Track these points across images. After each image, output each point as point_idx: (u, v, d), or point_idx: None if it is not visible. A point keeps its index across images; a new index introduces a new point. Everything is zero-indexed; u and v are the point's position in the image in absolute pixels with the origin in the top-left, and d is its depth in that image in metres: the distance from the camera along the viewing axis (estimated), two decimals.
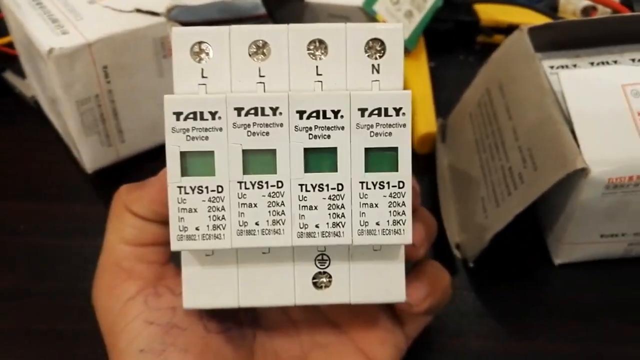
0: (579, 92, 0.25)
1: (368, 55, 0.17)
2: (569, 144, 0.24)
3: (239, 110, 0.17)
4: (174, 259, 0.20)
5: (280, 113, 0.17)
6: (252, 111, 0.17)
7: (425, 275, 0.20)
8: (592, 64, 0.28)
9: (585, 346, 0.25)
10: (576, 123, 0.24)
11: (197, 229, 0.17)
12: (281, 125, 0.17)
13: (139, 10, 0.31)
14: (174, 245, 0.17)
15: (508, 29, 0.40)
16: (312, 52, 0.17)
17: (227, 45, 0.17)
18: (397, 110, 0.17)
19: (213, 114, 0.17)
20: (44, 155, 0.35)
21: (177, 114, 0.17)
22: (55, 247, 0.30)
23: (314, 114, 0.17)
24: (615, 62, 0.28)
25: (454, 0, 0.40)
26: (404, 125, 0.17)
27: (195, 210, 0.17)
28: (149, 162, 0.34)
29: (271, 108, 0.17)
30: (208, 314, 0.20)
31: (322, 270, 0.18)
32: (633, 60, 0.28)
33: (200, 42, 0.17)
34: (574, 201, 0.25)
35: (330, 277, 0.18)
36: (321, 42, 0.17)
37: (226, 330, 0.20)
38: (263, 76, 0.17)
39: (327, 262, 0.18)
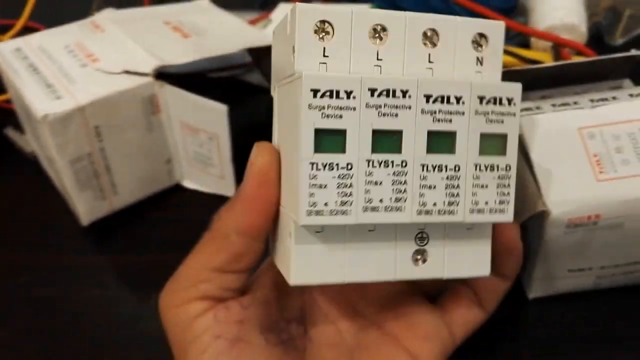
0: (538, 137, 0.26)
1: (474, 48, 0.19)
2: (530, 188, 0.25)
3: (372, 91, 0.18)
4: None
5: (410, 96, 0.18)
6: (385, 93, 0.18)
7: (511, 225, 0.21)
8: (553, 105, 0.29)
9: None
10: (537, 167, 0.26)
11: (325, 204, 0.18)
12: (409, 107, 0.18)
13: (127, 72, 0.33)
14: (303, 220, 0.17)
15: None
16: (425, 40, 0.19)
17: (350, 26, 0.18)
18: (510, 100, 0.19)
19: (349, 94, 0.17)
20: (43, 208, 0.37)
21: (315, 91, 0.17)
22: (54, 298, 0.32)
23: (439, 99, 0.18)
24: (576, 103, 0.29)
25: None
26: (514, 115, 0.19)
27: (325, 187, 0.18)
28: (142, 211, 0.36)
29: (402, 91, 0.18)
30: (269, 327, 0.21)
31: (421, 248, 0.19)
32: (592, 100, 0.29)
33: (323, 21, 0.18)
34: (539, 240, 0.26)
35: (427, 253, 0.19)
36: (434, 31, 0.19)
37: (283, 342, 0.22)
38: (380, 59, 0.18)
39: (426, 240, 0.19)
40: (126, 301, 0.31)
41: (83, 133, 0.31)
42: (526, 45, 0.44)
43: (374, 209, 0.18)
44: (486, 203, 0.19)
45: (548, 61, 0.40)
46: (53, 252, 0.34)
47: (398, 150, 0.18)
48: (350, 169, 0.18)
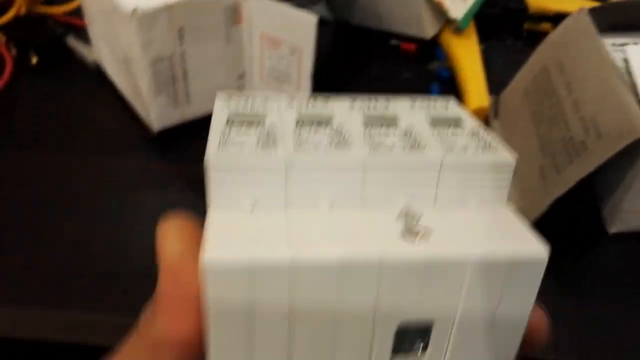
0: None
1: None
2: (634, 113, 0.25)
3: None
4: None
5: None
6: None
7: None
8: None
9: (633, 307, 0.27)
10: None
11: (242, 144, 0.14)
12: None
13: None
14: (211, 157, 0.14)
15: (555, 17, 0.41)
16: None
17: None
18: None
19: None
20: (104, 115, 0.37)
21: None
22: (110, 203, 0.31)
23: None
24: None
25: None
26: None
27: (242, 143, 0.15)
28: (207, 126, 0.35)
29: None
30: None
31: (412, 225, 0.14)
32: None
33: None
34: (634, 171, 0.26)
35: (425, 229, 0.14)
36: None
37: None
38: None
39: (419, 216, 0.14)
40: (186, 206, 0.31)
41: (168, 33, 0.31)
42: None
43: (310, 146, 0.14)
44: (464, 147, 0.15)
45: None
46: (114, 157, 0.34)
47: (329, 124, 0.16)
48: (274, 128, 0.15)
